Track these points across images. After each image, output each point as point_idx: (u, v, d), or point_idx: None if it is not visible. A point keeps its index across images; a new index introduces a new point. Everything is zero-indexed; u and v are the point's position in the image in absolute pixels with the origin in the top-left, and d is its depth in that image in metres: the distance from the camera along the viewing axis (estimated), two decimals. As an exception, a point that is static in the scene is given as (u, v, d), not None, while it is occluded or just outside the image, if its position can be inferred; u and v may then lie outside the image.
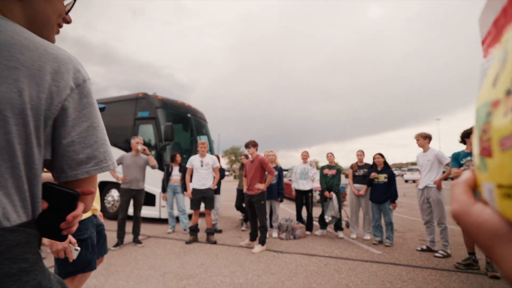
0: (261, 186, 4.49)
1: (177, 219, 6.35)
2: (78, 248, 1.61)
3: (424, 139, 4.45)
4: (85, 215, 1.76)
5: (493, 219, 0.24)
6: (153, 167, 4.79)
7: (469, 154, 3.61)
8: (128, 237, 4.93)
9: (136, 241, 4.71)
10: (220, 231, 5.77)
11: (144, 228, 5.94)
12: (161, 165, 6.38)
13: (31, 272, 0.55)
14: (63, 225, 0.62)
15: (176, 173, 5.79)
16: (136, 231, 4.75)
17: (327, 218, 5.23)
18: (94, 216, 1.88)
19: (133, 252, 4.33)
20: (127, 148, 6.25)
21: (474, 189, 0.29)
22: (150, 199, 6.42)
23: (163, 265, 3.73)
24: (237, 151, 51.22)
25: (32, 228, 0.57)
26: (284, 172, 10.77)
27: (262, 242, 4.47)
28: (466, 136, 3.67)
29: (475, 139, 0.27)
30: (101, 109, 1.91)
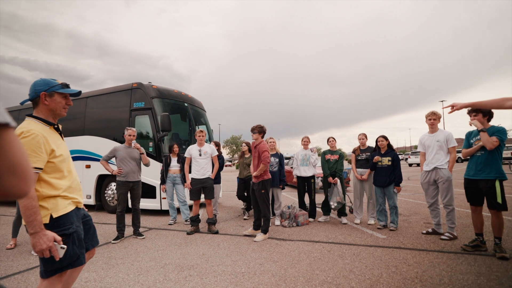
0: (254, 174, 4.47)
1: (178, 210, 6.30)
2: (65, 246, 1.53)
3: (439, 119, 4.28)
4: (67, 209, 1.65)
5: None
6: (146, 165, 4.70)
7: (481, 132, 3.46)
8: (129, 230, 4.87)
9: (136, 233, 4.66)
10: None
11: (146, 220, 5.90)
12: (160, 156, 6.28)
13: None
14: None
15: (174, 164, 5.69)
16: (136, 224, 4.68)
17: (333, 204, 5.13)
18: (77, 208, 1.77)
19: (134, 244, 4.27)
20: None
21: None
22: (150, 191, 6.35)
23: (164, 256, 3.67)
24: (237, 140, 51.01)
25: None
26: (286, 160, 10.67)
27: (265, 231, 4.39)
28: (488, 115, 3.46)
29: None
30: (76, 94, 1.77)
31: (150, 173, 6.07)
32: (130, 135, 4.60)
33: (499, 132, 3.34)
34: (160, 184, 5.87)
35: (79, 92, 1.76)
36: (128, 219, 4.71)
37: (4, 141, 0.57)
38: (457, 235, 4.09)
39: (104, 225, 5.67)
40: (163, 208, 6.32)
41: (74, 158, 7.41)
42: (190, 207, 6.31)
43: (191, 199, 4.97)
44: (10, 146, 0.57)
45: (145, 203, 6.23)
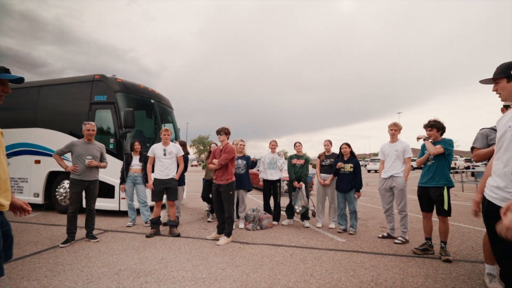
0: (210, 164, 4.49)
1: (138, 212, 5.98)
2: None
3: (400, 130, 4.55)
4: None
5: None
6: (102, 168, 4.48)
7: (434, 144, 3.74)
8: (81, 233, 4.51)
9: (89, 236, 4.31)
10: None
11: (101, 222, 5.51)
12: (121, 154, 5.93)
13: None
14: None
15: (136, 163, 5.39)
16: (89, 225, 4.34)
17: (298, 208, 5.21)
18: (0, 213, 1.52)
19: (85, 248, 3.95)
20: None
21: None
22: (108, 191, 5.96)
23: (119, 261, 3.43)
24: (205, 140, 50.14)
25: None
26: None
27: (228, 234, 4.32)
28: (442, 130, 3.77)
29: None
30: (16, 81, 1.57)
31: (109, 172, 5.69)
32: (89, 130, 4.28)
33: (446, 142, 3.67)
34: (120, 184, 5.52)
35: (20, 79, 1.54)
36: (81, 220, 4.35)
37: None
38: (409, 239, 4.38)
39: (53, 226, 5.19)
40: (121, 209, 5.96)
41: (22, 152, 6.73)
42: (151, 208, 6.03)
43: (152, 200, 4.74)
44: None
45: (102, 203, 5.83)
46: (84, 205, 4.43)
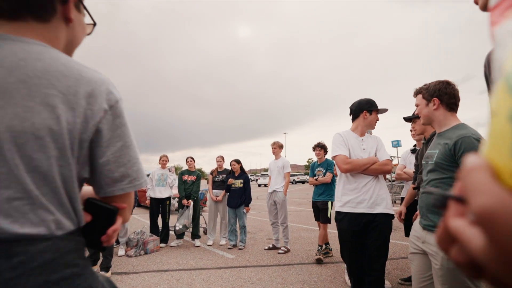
0: None
1: None
2: None
3: (280, 148, 4.99)
4: None
5: None
6: None
7: (320, 165, 4.36)
8: None
9: None
10: None
11: None
12: None
13: (82, 276, 0.60)
14: (104, 237, 0.67)
15: None
16: None
17: (178, 226, 4.93)
18: None
19: None
20: None
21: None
22: None
23: None
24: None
25: (79, 236, 0.63)
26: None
27: (106, 269, 3.58)
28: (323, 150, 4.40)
29: (505, 105, 0.22)
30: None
31: None
32: None
33: (329, 165, 4.33)
34: None
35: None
36: None
37: None
38: (290, 248, 4.80)
39: None
40: None
41: None
42: None
43: None
44: None
45: None
46: None
